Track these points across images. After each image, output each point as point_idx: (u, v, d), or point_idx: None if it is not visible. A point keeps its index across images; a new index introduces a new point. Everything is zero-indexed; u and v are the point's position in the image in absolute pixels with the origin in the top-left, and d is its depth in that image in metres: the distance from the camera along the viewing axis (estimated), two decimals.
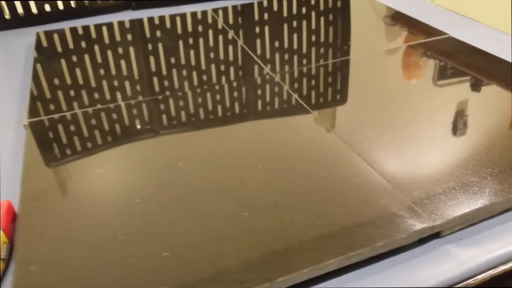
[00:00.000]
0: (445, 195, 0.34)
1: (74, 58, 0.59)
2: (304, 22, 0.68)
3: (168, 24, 0.69)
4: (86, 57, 0.59)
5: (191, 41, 0.63)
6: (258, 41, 0.63)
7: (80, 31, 0.68)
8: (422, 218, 0.32)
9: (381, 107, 0.46)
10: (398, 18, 0.69)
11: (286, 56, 0.58)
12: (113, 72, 0.55)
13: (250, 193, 0.34)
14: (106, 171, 0.38)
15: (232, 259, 0.29)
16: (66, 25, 0.71)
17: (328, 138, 0.41)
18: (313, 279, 0.28)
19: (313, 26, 0.67)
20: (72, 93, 0.51)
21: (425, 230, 0.31)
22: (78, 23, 0.71)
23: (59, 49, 0.63)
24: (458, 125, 0.42)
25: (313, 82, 0.51)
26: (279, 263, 0.28)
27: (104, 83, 0.53)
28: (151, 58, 0.59)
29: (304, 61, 0.56)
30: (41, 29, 0.69)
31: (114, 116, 0.46)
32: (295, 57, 0.57)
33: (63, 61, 0.59)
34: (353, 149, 0.39)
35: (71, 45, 0.64)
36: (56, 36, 0.66)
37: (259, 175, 0.36)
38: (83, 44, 0.64)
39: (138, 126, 0.44)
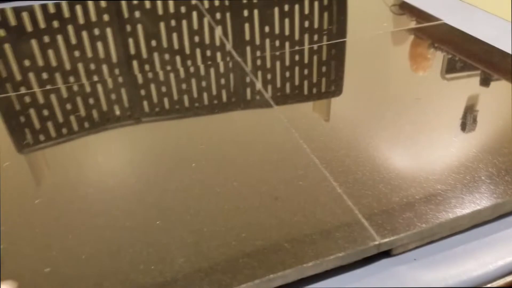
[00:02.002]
0: (401, 205, 0.28)
1: (46, 39, 0.55)
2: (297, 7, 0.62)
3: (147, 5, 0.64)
4: (59, 38, 0.56)
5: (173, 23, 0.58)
6: (246, 26, 0.57)
7: (52, 9, 0.64)
8: (369, 232, 0.26)
9: (379, 99, 0.40)
10: (405, 7, 0.62)
11: (277, 42, 0.52)
12: (88, 54, 0.51)
13: (169, 197, 0.30)
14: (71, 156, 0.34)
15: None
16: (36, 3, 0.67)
17: (286, 134, 0.35)
18: None
19: (307, 11, 0.61)
20: (40, 75, 0.47)
21: (370, 248, 0.26)
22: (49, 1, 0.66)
23: (28, 28, 0.60)
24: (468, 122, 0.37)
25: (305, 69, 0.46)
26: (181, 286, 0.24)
27: (79, 65, 0.48)
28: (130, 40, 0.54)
29: (296, 47, 0.51)
30: (9, 5, 0.65)
31: (88, 97, 0.41)
32: (287, 43, 0.52)
33: (32, 41, 0.55)
34: (308, 146, 0.33)
35: (41, 25, 0.60)
36: (25, 14, 0.63)
37: (188, 174, 0.31)
38: (55, 23, 0.60)
39: (117, 112, 0.39)
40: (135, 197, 0.30)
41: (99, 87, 0.44)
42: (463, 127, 0.35)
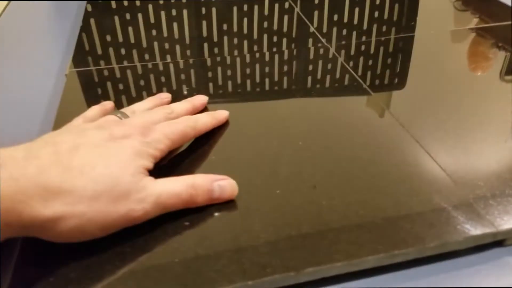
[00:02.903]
0: None
1: (127, 16, 0.58)
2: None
3: None
4: (139, 16, 0.58)
5: (245, 7, 0.60)
6: (316, 12, 0.58)
7: None
8: (484, 221, 0.27)
9: (442, 95, 0.40)
10: (470, 3, 0.61)
11: (345, 30, 0.53)
12: (165, 33, 0.53)
13: (285, 170, 0.31)
14: None
15: (256, 238, 0.25)
16: None
17: (383, 119, 0.36)
18: (346, 275, 0.25)
19: (377, 2, 0.61)
20: (119, 50, 0.49)
21: (487, 235, 0.26)
22: None
23: (113, 5, 0.62)
24: None
25: (371, 61, 0.46)
26: (309, 252, 0.25)
27: (155, 43, 0.51)
28: (204, 23, 0.56)
29: (363, 38, 0.51)
30: None
31: (161, 76, 0.44)
32: (355, 32, 0.52)
33: (115, 18, 0.57)
34: (410, 134, 0.34)
35: (125, 2, 0.62)
36: None
37: (298, 151, 0.32)
38: (137, 2, 0.62)
39: (185, 92, 0.41)
40: (254, 168, 0.31)
41: (177, 66, 0.45)
42: None
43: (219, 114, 0.35)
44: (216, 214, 0.27)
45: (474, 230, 0.26)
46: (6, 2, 0.66)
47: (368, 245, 0.25)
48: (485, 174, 0.30)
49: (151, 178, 0.26)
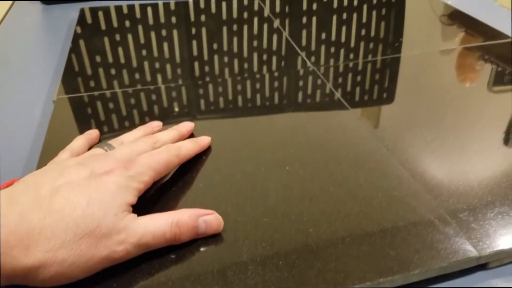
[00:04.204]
0: (496, 220, 0.29)
1: (117, 37, 0.58)
2: (355, 15, 0.64)
3: (213, 9, 0.67)
4: (129, 37, 0.58)
5: (235, 27, 0.60)
6: (304, 32, 0.59)
7: (125, 10, 0.67)
8: (467, 246, 0.28)
9: (430, 111, 0.41)
10: (456, 17, 0.63)
11: (332, 49, 0.54)
12: (155, 54, 0.54)
13: (272, 196, 0.31)
14: None
15: (244, 270, 0.26)
16: (112, 3, 0.70)
17: (369, 142, 0.37)
18: None
19: (364, 20, 0.62)
20: (109, 71, 0.49)
21: (470, 260, 0.27)
22: (124, 1, 0.69)
23: (102, 26, 0.62)
24: None
25: (358, 79, 0.47)
26: (296, 282, 0.25)
27: (145, 64, 0.51)
28: (194, 42, 0.56)
29: (351, 56, 0.52)
30: (87, 5, 0.68)
31: (153, 97, 0.44)
32: (342, 51, 0.53)
33: (105, 39, 0.58)
34: (396, 157, 0.35)
35: (114, 23, 0.63)
36: (100, 13, 0.66)
37: (285, 176, 0.33)
38: (127, 23, 0.62)
39: (176, 109, 0.42)
40: (242, 195, 0.31)
41: (168, 88, 0.46)
42: None
43: (202, 140, 0.35)
44: (203, 245, 0.27)
45: (458, 255, 0.27)
46: None
47: (355, 273, 0.26)
48: (468, 198, 0.31)
49: (133, 216, 0.26)
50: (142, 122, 0.39)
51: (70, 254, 0.23)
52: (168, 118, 0.40)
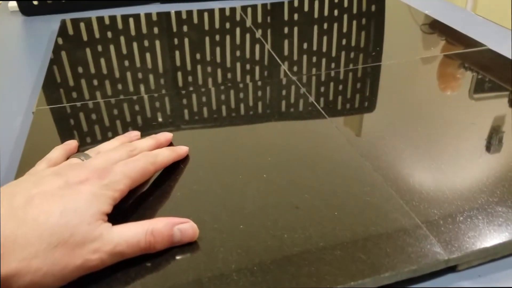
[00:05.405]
0: (465, 224, 0.30)
1: (99, 48, 0.58)
2: (335, 25, 0.65)
3: (195, 20, 0.68)
4: (111, 48, 0.59)
5: (217, 38, 0.61)
6: (285, 42, 0.60)
7: (107, 21, 0.67)
8: (437, 248, 0.28)
9: (409, 119, 0.42)
10: (436, 27, 0.65)
11: (314, 59, 0.55)
12: (138, 64, 0.54)
13: (249, 204, 0.32)
14: None
15: (219, 277, 0.26)
16: (93, 14, 0.70)
17: (345, 150, 0.38)
18: None
19: (345, 29, 0.64)
20: (91, 82, 0.50)
21: (439, 263, 0.28)
22: (105, 12, 0.70)
23: (84, 37, 0.63)
24: (492, 143, 0.39)
25: (339, 88, 0.48)
26: (268, 286, 0.26)
27: (128, 74, 0.51)
28: (177, 53, 0.57)
29: (332, 65, 0.53)
30: (68, 17, 0.69)
31: (136, 107, 0.45)
32: (323, 61, 0.54)
33: (87, 50, 0.58)
34: (371, 164, 0.36)
35: (96, 35, 0.63)
36: (82, 25, 0.66)
37: (262, 184, 0.34)
38: (109, 34, 0.63)
39: (160, 119, 0.42)
40: (219, 203, 0.32)
41: (154, 97, 0.46)
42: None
43: (180, 148, 0.36)
44: (179, 253, 0.28)
45: (428, 258, 0.28)
46: None
47: (327, 278, 0.26)
48: (438, 202, 0.32)
49: (108, 225, 0.26)
50: (125, 132, 0.40)
51: (44, 263, 0.23)
52: (151, 128, 0.41)
